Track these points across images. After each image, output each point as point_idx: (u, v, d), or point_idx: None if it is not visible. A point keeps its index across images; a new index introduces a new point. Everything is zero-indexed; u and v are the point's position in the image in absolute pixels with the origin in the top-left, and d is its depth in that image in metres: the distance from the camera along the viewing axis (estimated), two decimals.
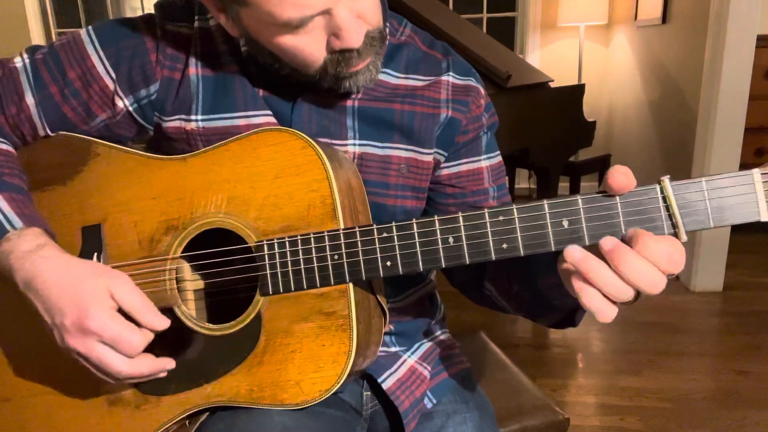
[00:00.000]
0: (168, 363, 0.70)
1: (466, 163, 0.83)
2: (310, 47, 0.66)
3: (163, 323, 0.68)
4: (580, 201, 0.56)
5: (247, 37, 0.71)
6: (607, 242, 0.53)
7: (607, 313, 0.53)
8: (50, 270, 0.66)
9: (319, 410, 0.74)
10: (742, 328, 2.44)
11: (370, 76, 0.71)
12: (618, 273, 0.52)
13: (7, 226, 0.68)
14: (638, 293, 0.53)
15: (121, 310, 0.66)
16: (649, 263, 0.52)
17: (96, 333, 0.64)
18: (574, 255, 0.53)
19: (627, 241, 0.53)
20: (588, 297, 0.53)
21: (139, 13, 4.47)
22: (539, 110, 2.65)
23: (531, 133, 2.60)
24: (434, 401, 0.87)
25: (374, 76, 0.72)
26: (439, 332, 0.97)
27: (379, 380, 0.83)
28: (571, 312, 0.70)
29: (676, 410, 1.94)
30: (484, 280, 0.80)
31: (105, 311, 0.65)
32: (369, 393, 0.88)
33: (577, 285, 0.53)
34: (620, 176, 0.53)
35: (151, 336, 0.68)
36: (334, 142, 0.77)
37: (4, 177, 0.73)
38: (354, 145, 0.78)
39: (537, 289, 0.69)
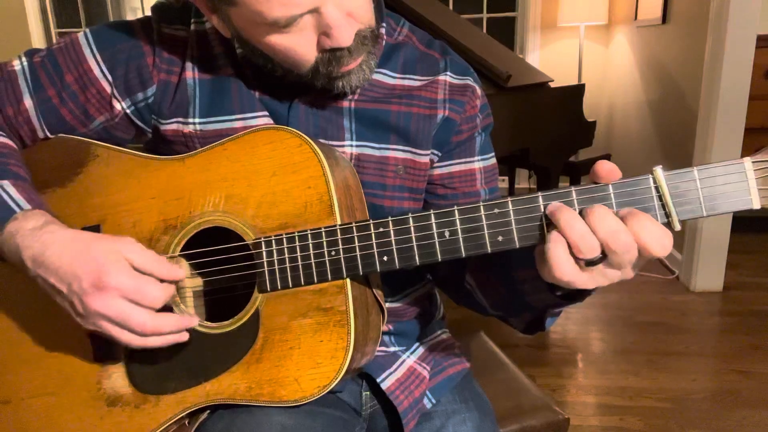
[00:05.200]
0: (192, 320, 0.69)
1: (458, 164, 0.82)
2: (300, 47, 0.66)
3: (180, 273, 0.68)
4: (574, 192, 0.57)
5: (238, 38, 0.71)
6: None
7: (565, 267, 0.54)
8: (58, 242, 0.66)
9: (318, 410, 0.74)
10: (742, 328, 2.44)
11: (364, 76, 0.71)
12: (589, 225, 0.53)
13: (15, 207, 0.69)
14: (603, 256, 0.54)
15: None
16: (625, 226, 0.53)
17: (116, 288, 0.63)
18: (553, 204, 0.56)
19: (621, 217, 0.54)
20: (554, 249, 0.54)
21: (140, 13, 4.48)
22: (539, 110, 2.64)
23: (531, 133, 2.59)
24: (434, 401, 0.87)
25: (368, 76, 0.72)
26: (438, 332, 0.97)
27: (378, 380, 0.83)
28: (542, 313, 0.71)
29: (676, 410, 1.94)
30: (465, 274, 0.80)
31: (121, 267, 0.64)
32: (368, 393, 0.87)
33: (549, 237, 0.55)
34: (606, 164, 0.56)
35: (171, 289, 0.67)
36: (331, 143, 0.77)
37: (10, 166, 0.74)
38: (351, 146, 0.78)
39: (513, 280, 0.69)
